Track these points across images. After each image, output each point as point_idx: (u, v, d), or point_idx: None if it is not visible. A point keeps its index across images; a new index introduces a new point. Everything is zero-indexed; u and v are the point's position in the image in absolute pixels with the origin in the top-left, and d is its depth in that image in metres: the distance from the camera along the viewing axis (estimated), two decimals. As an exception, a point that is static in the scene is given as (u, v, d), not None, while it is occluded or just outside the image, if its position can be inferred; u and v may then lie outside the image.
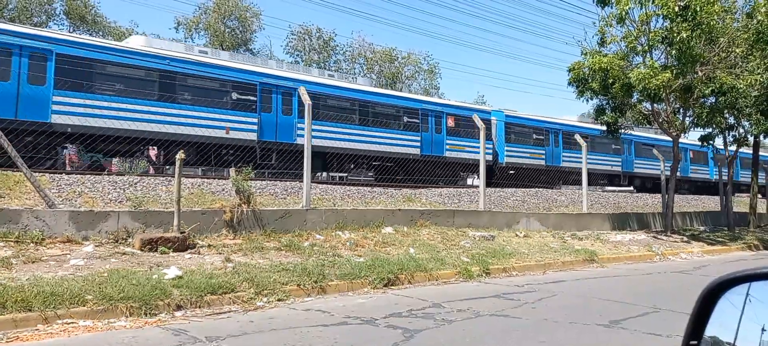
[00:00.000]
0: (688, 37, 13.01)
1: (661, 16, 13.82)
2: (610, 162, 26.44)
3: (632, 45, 14.75)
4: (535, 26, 78.10)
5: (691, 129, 17.09)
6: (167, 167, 15.92)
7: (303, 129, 15.76)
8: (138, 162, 17.61)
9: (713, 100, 15.54)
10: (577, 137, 17.40)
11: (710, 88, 14.55)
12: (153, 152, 16.43)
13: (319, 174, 17.98)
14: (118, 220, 8.69)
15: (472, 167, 20.14)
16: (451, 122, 21.10)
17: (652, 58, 14.48)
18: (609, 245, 13.56)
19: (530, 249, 11.63)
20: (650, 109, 16.24)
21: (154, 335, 5.26)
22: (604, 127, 17.22)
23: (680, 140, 19.99)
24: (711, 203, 23.87)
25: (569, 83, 15.81)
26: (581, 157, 20.67)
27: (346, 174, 18.90)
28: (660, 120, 16.27)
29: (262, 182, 12.57)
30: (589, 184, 23.74)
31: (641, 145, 27.99)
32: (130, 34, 35.37)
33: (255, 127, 16.32)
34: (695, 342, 1.59)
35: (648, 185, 28.47)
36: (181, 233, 8.64)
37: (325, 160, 17.34)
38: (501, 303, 7.15)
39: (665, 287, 9.31)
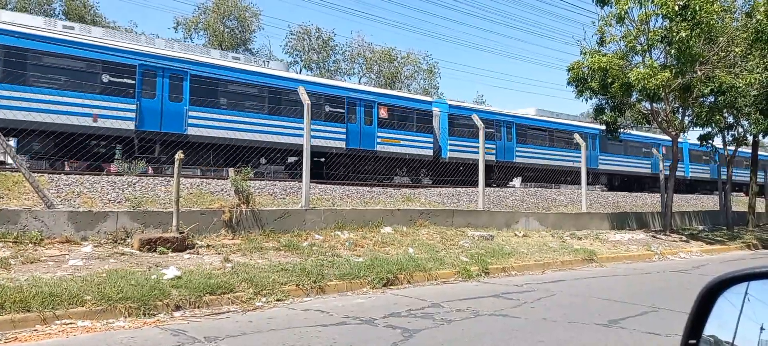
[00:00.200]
0: (687, 37, 13.02)
1: (661, 16, 13.83)
2: (572, 158, 24.23)
3: (631, 44, 14.75)
4: (535, 26, 78.18)
5: (691, 128, 17.11)
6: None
7: (198, 118, 15.07)
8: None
9: (712, 100, 15.55)
10: (577, 137, 17.36)
11: (709, 88, 14.56)
12: None
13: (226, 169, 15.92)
14: (117, 220, 8.68)
15: (410, 163, 19.44)
16: (383, 113, 18.91)
17: (651, 58, 14.49)
18: (608, 245, 13.56)
19: (529, 249, 11.63)
20: (649, 108, 16.25)
21: (153, 336, 5.25)
22: (604, 127, 17.22)
23: (652, 136, 20.06)
24: (710, 202, 23.87)
25: (568, 83, 15.82)
26: (538, 153, 20.84)
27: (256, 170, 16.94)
28: (659, 119, 16.27)
29: (261, 182, 12.57)
30: (549, 182, 23.75)
31: (607, 140, 26.43)
32: (132, 35, 35.40)
33: (133, 116, 14.30)
34: (694, 341, 1.59)
35: (615, 182, 27.20)
36: (180, 233, 8.64)
37: (233, 154, 15.33)
38: (500, 303, 7.14)
39: (664, 286, 9.31)
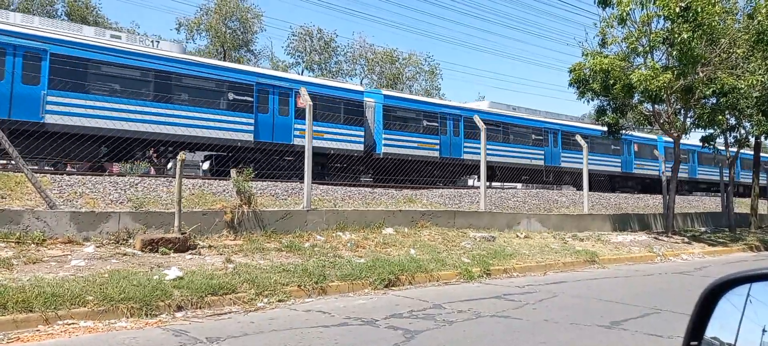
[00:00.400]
0: (689, 38, 13.01)
1: (662, 17, 13.82)
2: (531, 155, 22.97)
3: (633, 46, 14.74)
4: (537, 28, 78.14)
5: (692, 130, 17.08)
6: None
7: (60, 104, 12.80)
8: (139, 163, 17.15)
9: (714, 101, 15.53)
10: (578, 138, 17.35)
11: (711, 89, 14.54)
12: None
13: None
14: (119, 221, 8.69)
15: (336, 158, 17.69)
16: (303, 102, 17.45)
17: (653, 59, 14.48)
18: (610, 246, 13.55)
19: (531, 250, 11.62)
20: (651, 110, 16.24)
21: (155, 336, 5.26)
22: (606, 128, 17.20)
23: (622, 132, 19.72)
24: (712, 204, 23.82)
25: (570, 84, 15.81)
26: (491, 150, 18.95)
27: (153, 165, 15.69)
28: (661, 121, 16.26)
29: (263, 183, 12.57)
30: (504, 180, 22.38)
31: (569, 136, 24.05)
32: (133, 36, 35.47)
33: None
34: (696, 343, 1.59)
35: (580, 181, 25.62)
36: (182, 233, 8.65)
37: (114, 147, 14.00)
38: (502, 304, 7.14)
39: (666, 288, 9.30)
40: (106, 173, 12.88)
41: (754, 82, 14.10)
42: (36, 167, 12.52)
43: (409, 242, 10.74)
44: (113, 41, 15.20)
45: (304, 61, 39.87)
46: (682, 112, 16.40)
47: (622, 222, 16.61)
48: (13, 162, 8.73)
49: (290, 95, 16.83)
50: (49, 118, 13.14)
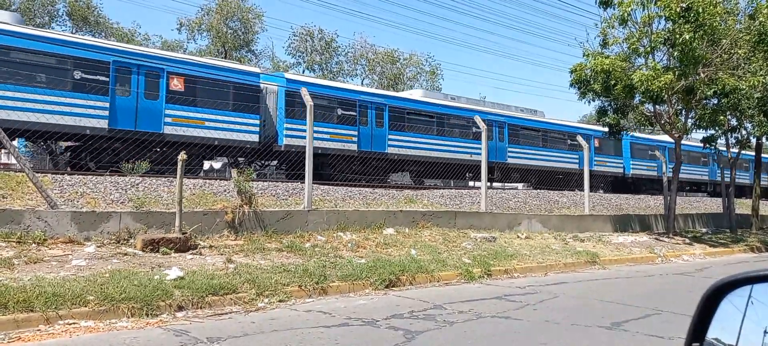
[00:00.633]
0: (690, 39, 13.00)
1: (664, 18, 13.81)
2: (470, 149, 20.59)
3: (634, 46, 14.74)
4: (538, 28, 78.10)
5: (694, 130, 17.07)
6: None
7: None
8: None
9: (715, 102, 15.52)
10: (579, 139, 17.33)
11: (712, 90, 14.53)
12: None
13: None
14: (120, 220, 8.70)
15: (223, 150, 15.95)
16: (177, 85, 14.68)
17: (654, 60, 14.47)
18: (611, 247, 13.54)
19: (532, 251, 11.62)
20: (652, 110, 16.23)
21: (156, 336, 5.26)
22: (607, 129, 17.19)
23: (583, 127, 19.40)
24: (713, 204, 23.80)
25: (571, 85, 15.80)
26: (418, 143, 18.19)
27: None
28: (662, 122, 16.25)
29: (263, 183, 12.57)
30: (438, 177, 20.38)
31: (519, 129, 22.43)
32: (135, 37, 35.55)
33: None
34: (697, 344, 1.59)
35: (532, 179, 22.99)
36: (183, 233, 8.65)
37: None
38: (502, 305, 7.14)
39: (667, 289, 9.29)
40: (107, 173, 12.88)
41: (756, 82, 14.09)
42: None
43: (410, 243, 10.74)
44: None
45: (305, 62, 39.88)
46: (683, 112, 16.39)
47: (623, 223, 16.60)
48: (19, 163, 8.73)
49: (161, 76, 14.52)
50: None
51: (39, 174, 9.38)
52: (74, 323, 5.46)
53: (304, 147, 15.62)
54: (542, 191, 18.99)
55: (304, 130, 15.96)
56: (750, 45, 14.23)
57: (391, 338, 5.29)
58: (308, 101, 11.41)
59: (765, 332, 1.46)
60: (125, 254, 7.86)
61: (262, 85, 16.55)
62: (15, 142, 10.68)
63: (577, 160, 24.14)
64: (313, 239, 10.13)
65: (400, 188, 15.61)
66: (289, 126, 16.58)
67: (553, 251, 11.87)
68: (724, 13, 14.12)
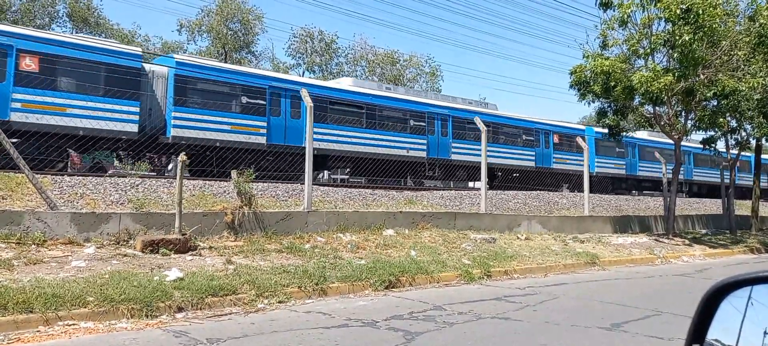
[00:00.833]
0: (690, 40, 13.01)
1: (663, 19, 13.83)
2: (409, 144, 18.99)
3: (634, 48, 14.75)
4: (538, 30, 78.16)
5: (693, 132, 17.08)
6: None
7: None
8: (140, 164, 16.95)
9: (715, 104, 15.53)
10: (579, 140, 17.26)
11: (712, 91, 14.54)
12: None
13: None
14: (120, 222, 8.69)
15: (92, 143, 13.71)
16: (30, 64, 12.64)
17: (654, 61, 14.48)
18: (610, 248, 13.54)
19: (531, 252, 11.62)
20: (652, 112, 16.24)
21: (156, 337, 5.26)
22: (607, 130, 17.19)
23: (542, 122, 18.74)
24: (713, 206, 23.81)
25: (571, 86, 15.81)
26: (344, 136, 16.63)
27: None
28: (662, 123, 16.25)
29: (263, 184, 12.57)
30: (366, 175, 18.29)
31: (465, 123, 20.14)
32: (135, 38, 35.56)
33: None
34: (697, 345, 1.59)
35: (477, 176, 20.02)
36: (183, 234, 8.65)
37: None
38: (502, 306, 7.13)
39: (667, 290, 9.29)
40: (108, 174, 12.88)
41: (755, 84, 14.11)
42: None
43: (410, 244, 10.74)
44: None
45: (305, 63, 39.89)
46: (683, 114, 16.41)
47: (623, 224, 16.60)
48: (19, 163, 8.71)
49: (9, 54, 12.47)
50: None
51: (39, 175, 9.38)
52: (74, 324, 5.45)
53: (201, 139, 14.76)
54: (542, 192, 18.96)
55: (203, 121, 14.83)
56: (750, 47, 14.24)
57: (390, 339, 5.29)
58: (308, 102, 11.40)
59: (765, 333, 1.46)
60: (125, 255, 7.85)
61: (147, 68, 14.73)
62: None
63: (533, 157, 22.66)
64: (313, 240, 10.13)
65: (400, 189, 15.60)
66: (179, 115, 14.50)
67: (552, 252, 11.87)
68: (724, 14, 14.13)
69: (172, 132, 14.43)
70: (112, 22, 35.95)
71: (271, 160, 15.92)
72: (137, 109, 14.01)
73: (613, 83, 14.40)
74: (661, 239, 15.79)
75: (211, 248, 8.89)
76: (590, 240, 14.03)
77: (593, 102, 16.38)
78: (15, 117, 12.41)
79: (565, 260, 11.30)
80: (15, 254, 7.20)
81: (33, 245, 7.69)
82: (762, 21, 13.70)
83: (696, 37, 13.09)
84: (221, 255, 8.49)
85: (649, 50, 14.43)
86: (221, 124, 15.18)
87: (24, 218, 8.00)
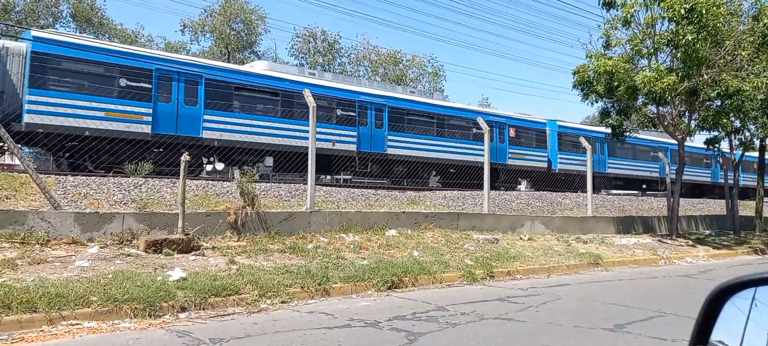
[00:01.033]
0: (693, 40, 12.97)
1: (667, 19, 13.78)
2: (342, 136, 17.45)
3: (637, 48, 14.71)
4: (541, 30, 78.08)
5: (697, 132, 17.03)
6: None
7: None
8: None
9: (719, 104, 15.48)
10: (583, 141, 17.21)
11: (716, 91, 14.49)
12: None
13: None
14: (123, 221, 8.71)
15: None
16: None
17: (657, 61, 14.43)
18: (614, 249, 13.51)
19: (534, 252, 11.60)
20: (655, 112, 16.20)
21: (159, 337, 5.27)
22: (610, 130, 17.15)
23: (493, 113, 17.57)
24: (717, 206, 23.73)
25: (574, 86, 15.78)
26: (249, 127, 14.92)
27: None
28: (665, 123, 16.21)
29: (266, 184, 12.58)
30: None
31: (404, 114, 18.68)
32: (138, 38, 35.65)
33: None
34: (701, 346, 1.59)
35: (425, 174, 19.33)
36: (186, 234, 8.66)
37: None
38: (505, 306, 7.12)
39: (670, 291, 9.26)
40: (111, 174, 12.90)
41: (759, 84, 14.05)
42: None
43: (412, 244, 10.74)
44: None
45: (308, 63, 39.91)
46: (686, 114, 16.36)
47: (626, 225, 16.56)
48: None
49: None
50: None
51: (42, 175, 9.41)
52: (77, 324, 5.47)
53: (61, 127, 12.84)
54: (545, 192, 18.92)
55: (65, 106, 12.97)
56: (754, 46, 14.18)
57: (393, 340, 5.28)
58: (311, 103, 11.40)
59: (769, 334, 1.46)
60: (128, 255, 7.87)
61: None
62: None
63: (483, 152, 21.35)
64: (316, 240, 10.14)
65: (402, 190, 15.59)
66: (37, 99, 12.70)
67: (555, 253, 11.85)
68: (728, 14, 14.08)
69: (26, 118, 12.60)
70: (115, 22, 36.06)
71: (158, 153, 13.80)
72: None
73: (616, 83, 14.37)
74: (664, 240, 15.75)
75: (214, 248, 8.90)
76: (593, 241, 14.00)
77: (596, 102, 16.34)
78: None
79: (568, 261, 11.28)
80: (19, 254, 7.23)
81: (37, 245, 7.71)
82: (766, 21, 13.65)
83: (699, 37, 13.05)
84: (224, 255, 8.50)
85: (652, 50, 14.39)
86: (93, 111, 13.31)
87: (28, 218, 8.03)
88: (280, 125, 16.21)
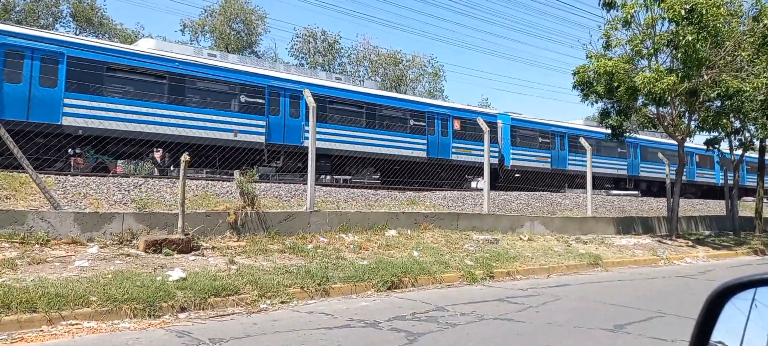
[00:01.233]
0: (693, 41, 12.98)
1: (667, 20, 13.79)
2: (247, 126, 15.60)
3: (638, 48, 14.71)
4: (541, 30, 78.09)
5: (697, 133, 17.03)
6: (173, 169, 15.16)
7: None
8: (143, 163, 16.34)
9: (719, 104, 15.48)
10: (582, 141, 17.20)
11: (716, 92, 14.50)
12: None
13: None
14: (123, 221, 8.71)
15: None
16: None
17: (657, 62, 14.44)
18: (613, 249, 13.51)
19: (534, 253, 11.60)
20: (655, 112, 16.20)
21: (158, 337, 5.27)
22: (610, 131, 17.14)
23: (435, 104, 16.24)
24: (717, 207, 23.73)
25: (574, 87, 15.78)
26: (122, 113, 13.20)
27: None
28: (665, 124, 16.21)
29: (266, 184, 12.58)
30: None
31: (326, 102, 16.72)
32: (138, 38, 35.64)
33: None
34: (701, 347, 1.58)
35: (353, 170, 18.00)
36: (186, 234, 8.66)
37: None
38: (505, 307, 7.12)
39: (670, 291, 9.26)
40: (111, 174, 12.90)
41: (759, 85, 14.06)
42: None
43: (412, 244, 10.74)
44: None
45: (308, 63, 39.91)
46: (686, 115, 16.36)
47: (626, 225, 16.56)
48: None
49: None
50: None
51: (42, 175, 9.41)
52: (77, 324, 5.47)
53: None
54: (545, 193, 18.92)
55: None
56: (754, 47, 14.19)
57: (393, 340, 5.28)
58: (311, 103, 11.39)
59: (769, 335, 1.46)
60: (128, 255, 7.87)
61: None
62: None
63: (424, 147, 18.82)
64: (316, 240, 10.13)
65: (402, 190, 15.58)
66: None
67: (555, 253, 11.85)
68: (728, 15, 14.09)
69: None
70: (115, 22, 36.07)
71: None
72: None
73: (616, 84, 14.37)
74: (664, 241, 15.75)
75: (213, 248, 8.90)
76: (593, 241, 14.00)
77: (596, 102, 16.34)
78: None
79: (567, 261, 11.28)
80: (19, 254, 7.23)
81: (36, 245, 7.71)
82: (766, 21, 13.66)
83: (700, 38, 13.05)
84: (224, 255, 8.50)
85: (652, 51, 14.39)
86: None
87: (28, 218, 8.03)
88: (168, 112, 14.26)
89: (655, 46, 14.19)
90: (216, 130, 14.88)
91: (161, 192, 10.71)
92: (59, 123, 12.87)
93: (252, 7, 37.44)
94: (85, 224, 8.41)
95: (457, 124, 19.90)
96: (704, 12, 12.85)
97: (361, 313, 6.49)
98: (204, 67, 15.29)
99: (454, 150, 19.79)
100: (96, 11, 34.79)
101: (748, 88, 14.17)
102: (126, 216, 8.83)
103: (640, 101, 15.59)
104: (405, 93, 34.90)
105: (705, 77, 14.55)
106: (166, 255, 8.09)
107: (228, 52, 36.26)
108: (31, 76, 12.69)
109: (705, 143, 18.34)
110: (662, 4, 13.55)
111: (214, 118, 14.96)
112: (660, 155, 19.09)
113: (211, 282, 6.79)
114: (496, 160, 20.63)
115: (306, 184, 11.20)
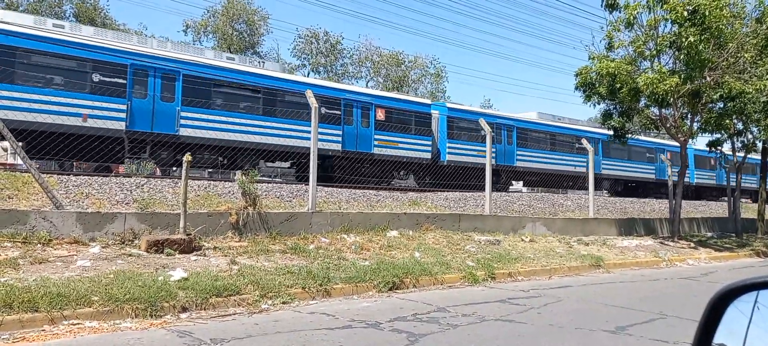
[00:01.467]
0: (696, 42, 12.96)
1: (670, 21, 13.78)
2: (103, 111, 13.37)
3: (640, 50, 14.70)
4: (544, 31, 78.02)
5: (699, 134, 17.00)
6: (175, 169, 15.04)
7: None
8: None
9: (721, 106, 15.45)
10: (584, 143, 17.19)
11: (718, 94, 14.47)
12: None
13: None
14: (125, 221, 8.73)
15: None
16: None
17: (660, 63, 14.42)
18: (615, 251, 13.48)
19: (536, 254, 11.58)
20: (658, 114, 16.18)
21: (160, 337, 5.27)
22: (612, 132, 17.12)
23: (363, 92, 14.92)
24: (719, 209, 23.68)
25: (576, 88, 15.77)
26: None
27: None
28: (668, 125, 16.19)
29: (268, 185, 12.59)
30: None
31: (197, 81, 14.62)
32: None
33: None
34: (703, 350, 1.58)
35: (247, 163, 15.31)
36: (187, 235, 8.67)
37: None
38: (506, 308, 7.11)
39: (672, 293, 9.24)
40: (113, 174, 12.93)
41: (762, 86, 14.03)
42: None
43: (414, 245, 10.73)
44: None
45: (310, 63, 39.95)
46: (689, 116, 16.33)
47: (628, 226, 16.53)
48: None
49: None
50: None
51: (45, 175, 9.43)
52: (78, 324, 5.47)
53: None
54: (547, 193, 18.88)
55: None
56: (757, 48, 14.17)
57: (394, 341, 5.28)
58: (313, 103, 11.39)
59: (771, 338, 1.45)
60: (130, 255, 7.88)
61: None
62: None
63: (339, 139, 16.88)
64: (317, 241, 10.14)
65: (404, 191, 15.58)
66: None
67: (557, 255, 11.83)
68: (731, 16, 14.06)
69: None
70: (118, 22, 36.15)
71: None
72: None
73: (618, 85, 14.35)
74: (666, 242, 15.72)
75: (215, 248, 8.90)
76: (595, 243, 13.98)
77: (599, 104, 16.34)
78: None
79: (569, 263, 11.26)
80: (21, 253, 7.24)
81: (39, 245, 7.72)
82: (769, 23, 13.64)
83: (702, 39, 13.03)
84: (225, 255, 8.50)
85: (655, 52, 14.38)
86: None
87: (30, 218, 8.05)
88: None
89: (658, 48, 14.17)
90: (60, 113, 12.63)
91: (163, 192, 10.73)
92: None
93: (254, 8, 37.50)
94: (88, 223, 8.42)
95: (380, 114, 17.95)
96: (707, 13, 12.84)
97: (363, 314, 6.49)
98: (38, 37, 12.93)
99: (376, 143, 17.87)
100: (99, 11, 34.87)
101: (750, 90, 14.14)
102: (128, 216, 8.85)
103: (642, 103, 15.57)
104: (407, 93, 34.88)
105: (707, 79, 14.52)
106: (167, 255, 8.10)
107: (230, 51, 36.39)
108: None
109: (707, 145, 18.29)
110: (665, 6, 13.53)
111: (66, 100, 12.89)
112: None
113: (212, 282, 6.80)
114: (428, 155, 19.13)
115: (308, 184, 11.20)
